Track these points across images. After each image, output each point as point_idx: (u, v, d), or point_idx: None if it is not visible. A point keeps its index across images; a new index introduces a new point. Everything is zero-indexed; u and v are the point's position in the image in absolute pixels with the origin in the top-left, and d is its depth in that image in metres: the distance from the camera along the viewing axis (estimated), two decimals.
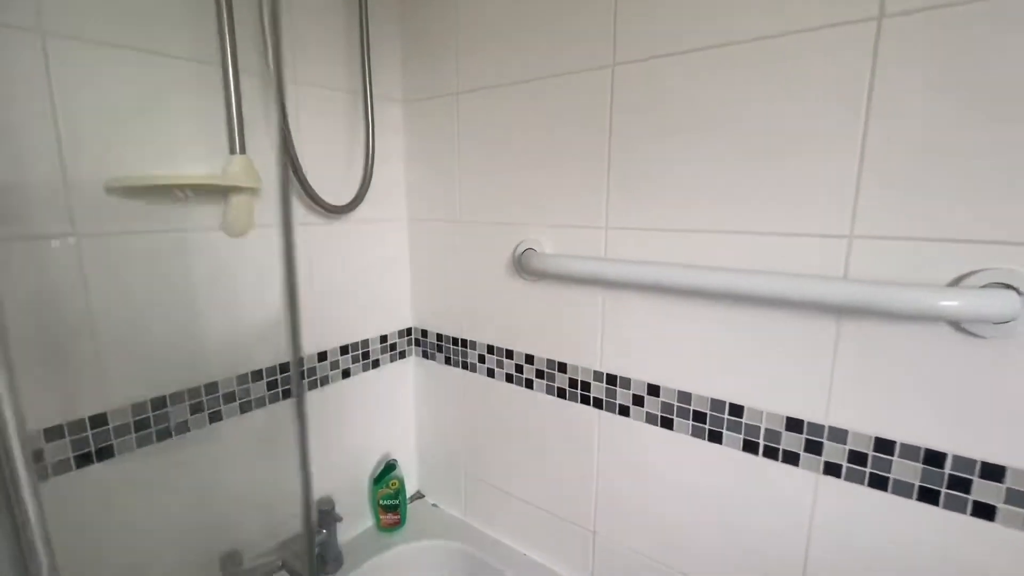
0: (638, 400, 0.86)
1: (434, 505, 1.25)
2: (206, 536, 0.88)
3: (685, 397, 0.81)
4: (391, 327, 1.17)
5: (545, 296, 0.95)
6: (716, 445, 0.79)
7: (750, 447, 0.75)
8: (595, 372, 0.91)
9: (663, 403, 0.83)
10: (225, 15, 0.76)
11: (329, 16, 0.96)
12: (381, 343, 1.15)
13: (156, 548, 0.81)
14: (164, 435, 0.81)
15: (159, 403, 0.80)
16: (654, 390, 0.84)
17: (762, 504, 0.76)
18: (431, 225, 1.12)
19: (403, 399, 1.22)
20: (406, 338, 1.20)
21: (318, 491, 1.06)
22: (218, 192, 0.82)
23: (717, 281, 0.69)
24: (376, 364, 1.14)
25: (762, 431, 0.74)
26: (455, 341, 1.12)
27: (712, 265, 0.73)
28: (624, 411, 0.88)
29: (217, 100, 0.80)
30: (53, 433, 0.69)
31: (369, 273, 1.10)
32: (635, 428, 0.87)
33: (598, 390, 0.91)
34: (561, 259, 0.87)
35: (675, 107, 0.75)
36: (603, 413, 0.91)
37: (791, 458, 0.72)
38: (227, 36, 0.77)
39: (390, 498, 1.12)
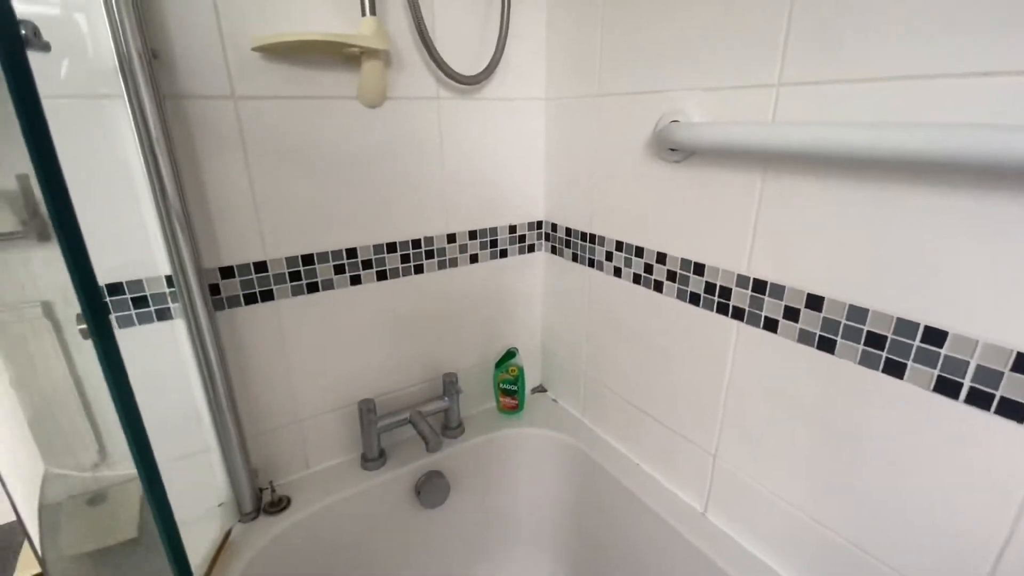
0: (791, 314, 0.69)
1: (554, 400, 1.25)
2: (347, 381, 1.01)
3: (859, 314, 0.61)
4: (521, 218, 1.13)
5: (687, 181, 0.79)
6: (895, 379, 0.59)
7: (949, 388, 0.55)
8: (739, 276, 0.75)
9: (825, 319, 0.65)
10: None
11: None
12: (510, 233, 1.12)
13: (306, 382, 0.96)
14: (313, 288, 0.92)
15: (308, 260, 0.90)
16: (815, 303, 0.66)
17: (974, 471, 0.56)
18: (567, 104, 1.01)
19: (530, 292, 1.20)
20: (536, 231, 1.16)
21: (446, 366, 1.13)
22: (353, 60, 0.84)
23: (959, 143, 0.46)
24: (504, 254, 1.13)
25: (972, 369, 0.53)
26: (583, 236, 1.04)
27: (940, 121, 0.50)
28: (771, 325, 0.72)
29: None
30: (226, 272, 0.83)
31: (502, 158, 1.05)
32: (784, 347, 0.71)
33: (740, 298, 0.75)
34: (709, 127, 0.70)
35: None
36: (743, 326, 0.76)
37: None
38: None
39: (509, 383, 1.15)
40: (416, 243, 1.00)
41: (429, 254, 1.03)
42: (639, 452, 1.02)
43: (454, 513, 1.10)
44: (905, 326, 0.57)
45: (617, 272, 0.97)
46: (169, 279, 0.79)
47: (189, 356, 0.83)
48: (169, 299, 0.80)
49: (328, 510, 0.95)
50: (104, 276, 0.75)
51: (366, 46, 0.79)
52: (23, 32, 0.60)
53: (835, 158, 0.57)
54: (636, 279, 0.93)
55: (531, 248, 1.16)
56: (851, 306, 0.62)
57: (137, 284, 0.77)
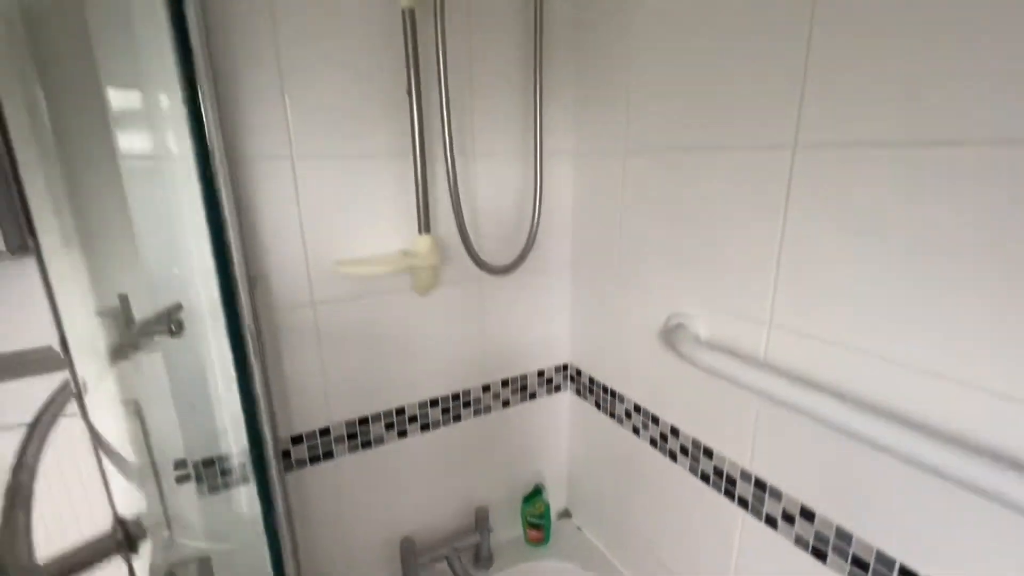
0: (788, 517, 0.78)
1: (578, 528, 1.34)
2: (391, 520, 1.13)
3: (845, 536, 0.70)
4: (549, 363, 1.25)
5: (695, 375, 0.90)
6: None
7: None
8: (743, 471, 0.84)
9: (817, 531, 0.74)
10: (416, 120, 0.89)
11: (505, 103, 1.03)
12: (539, 377, 1.24)
13: (358, 526, 1.09)
14: (367, 445, 1.05)
15: (364, 421, 1.04)
16: (808, 514, 0.75)
17: None
18: (591, 278, 1.14)
19: (556, 428, 1.31)
20: (562, 373, 1.28)
21: (479, 500, 1.24)
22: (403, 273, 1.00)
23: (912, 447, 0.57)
24: (533, 396, 1.25)
25: None
26: (605, 389, 1.15)
27: (900, 411, 0.60)
28: (771, 522, 0.81)
29: (408, 187, 0.96)
30: (296, 439, 0.97)
31: (533, 316, 1.19)
32: (782, 546, 0.79)
33: (744, 489, 0.84)
34: (706, 353, 0.81)
35: (863, 208, 0.61)
36: (748, 517, 0.85)
37: None
38: (416, 140, 0.90)
39: (536, 517, 1.25)
40: (455, 396, 1.14)
41: (466, 404, 1.15)
42: None
43: None
44: (884, 560, 0.66)
45: (636, 431, 1.07)
46: (253, 442, 0.93)
47: (258, 514, 0.97)
48: (249, 467, 0.94)
49: None
50: (201, 451, 0.90)
51: (422, 265, 0.95)
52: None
53: (816, 419, 0.68)
54: (653, 443, 1.03)
55: (557, 388, 1.28)
56: (838, 527, 0.71)
57: (224, 458, 0.92)
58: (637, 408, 1.06)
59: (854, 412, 0.62)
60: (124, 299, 0.92)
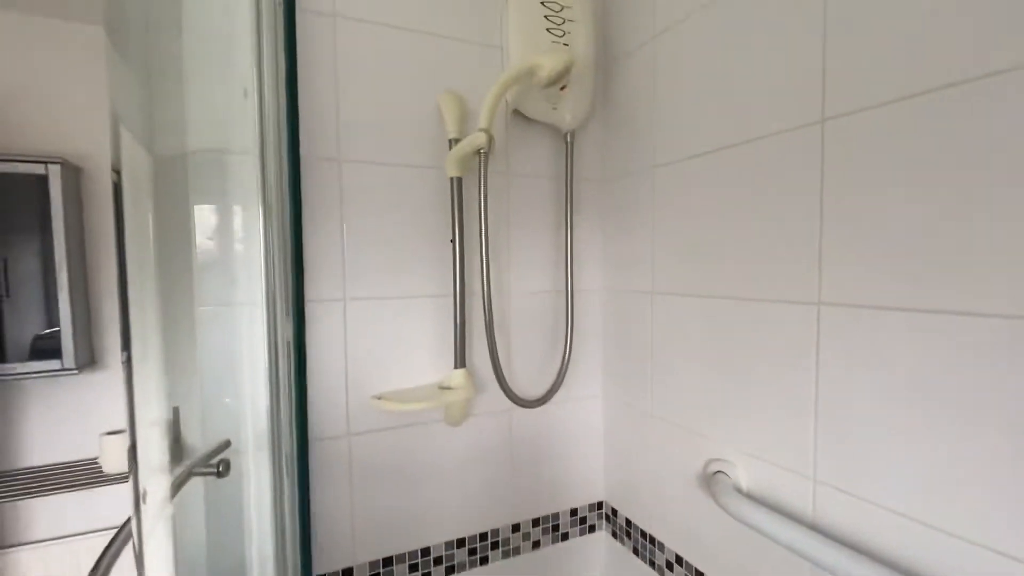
0: None
1: None
2: None
3: None
4: (582, 500, 1.20)
5: (739, 528, 0.85)
6: None
7: None
8: None
9: None
10: (458, 266, 0.98)
11: (539, 247, 1.13)
12: (571, 516, 1.18)
13: None
14: None
15: (388, 562, 1.00)
16: None
17: None
18: (625, 412, 1.13)
19: (590, 574, 1.21)
20: (596, 512, 1.21)
21: None
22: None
23: None
24: (565, 537, 1.18)
25: None
26: (643, 534, 1.08)
27: None
28: None
29: (447, 325, 1.02)
30: None
31: (565, 448, 1.17)
32: None
33: None
34: (751, 508, 0.77)
35: (899, 365, 0.62)
36: None
37: None
38: (457, 282, 0.98)
39: None
40: (483, 536, 1.09)
41: (495, 545, 1.10)
42: None
43: None
44: None
45: None
46: None
47: None
48: None
49: None
50: None
51: (456, 399, 0.98)
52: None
53: None
54: None
55: (592, 528, 1.21)
56: None
57: None
58: (679, 560, 0.98)
59: None
60: (176, 411, 0.97)
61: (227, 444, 0.82)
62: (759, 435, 0.81)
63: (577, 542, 1.19)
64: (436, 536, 1.05)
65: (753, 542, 0.82)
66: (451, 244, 0.99)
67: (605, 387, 1.20)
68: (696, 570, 0.94)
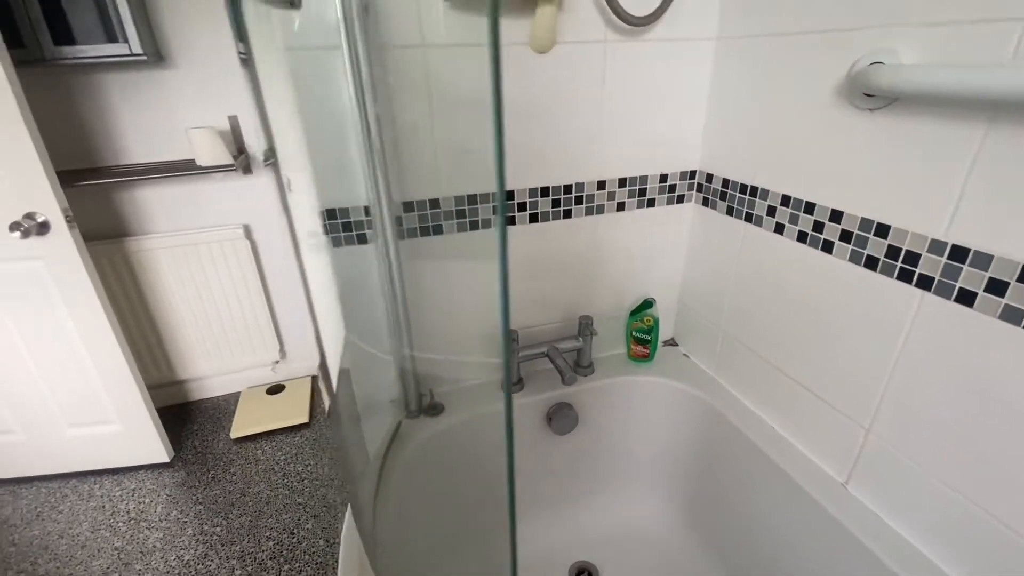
0: (996, 287, 0.62)
1: (685, 355, 1.26)
2: (495, 312, 1.11)
3: None
4: (673, 168, 1.10)
5: (881, 132, 0.72)
6: None
7: None
8: (933, 241, 0.68)
9: None
10: None
11: None
12: (660, 182, 1.11)
13: (463, 309, 1.08)
14: (474, 226, 1.01)
15: (472, 200, 0.99)
16: None
17: None
18: (743, 44, 0.94)
19: (673, 244, 1.19)
20: (687, 181, 1.13)
21: (582, 309, 1.19)
22: (528, 4, 0.86)
23: None
24: (651, 203, 1.12)
25: None
26: (743, 188, 0.99)
27: None
28: (966, 298, 0.65)
29: None
30: (407, 207, 0.95)
31: (662, 104, 1.03)
32: (979, 323, 0.64)
33: (931, 265, 0.68)
34: (925, 70, 0.62)
35: None
36: (929, 295, 0.69)
37: None
38: None
39: (643, 332, 1.18)
40: (567, 188, 1.04)
41: (579, 200, 1.06)
42: (776, 416, 1.01)
43: (579, 443, 1.19)
44: None
45: (779, 229, 0.92)
46: (366, 209, 0.92)
47: (377, 275, 0.98)
48: (366, 227, 0.94)
49: (473, 420, 1.09)
50: (324, 203, 0.90)
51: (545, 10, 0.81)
52: None
53: None
54: (801, 237, 0.88)
55: (680, 199, 1.14)
56: None
57: (345, 211, 0.92)
58: (786, 200, 0.90)
59: None
60: None
61: None
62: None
63: (663, 210, 1.14)
64: (520, 182, 1.01)
65: (893, 150, 0.70)
66: None
67: (723, 19, 0.98)
68: (805, 203, 0.86)
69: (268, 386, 2.05)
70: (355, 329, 1.00)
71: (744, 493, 1.02)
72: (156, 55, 1.52)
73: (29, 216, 1.31)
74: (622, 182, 1.08)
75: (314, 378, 2.11)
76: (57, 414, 1.57)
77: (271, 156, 0.76)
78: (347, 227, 0.93)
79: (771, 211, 0.93)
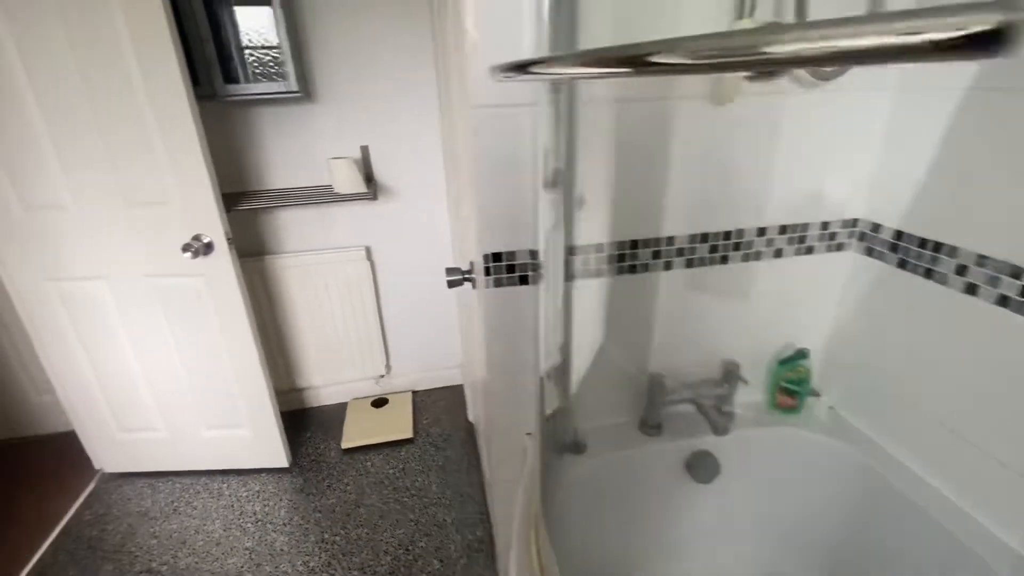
0: None
1: (831, 408, 1.20)
2: (641, 351, 1.11)
3: None
4: (835, 215, 1.07)
5: None
6: None
7: None
8: None
9: None
10: None
11: None
12: (821, 230, 1.07)
13: (614, 347, 1.09)
14: (632, 270, 1.02)
15: (634, 244, 1.00)
16: None
17: None
18: (934, 93, 0.90)
19: (827, 293, 1.15)
20: (849, 230, 1.09)
21: (726, 352, 1.16)
22: None
23: None
24: (810, 251, 1.09)
25: None
26: (923, 243, 0.95)
27: None
28: None
29: None
30: (570, 249, 0.97)
31: (831, 151, 1.00)
32: None
33: None
34: None
35: None
36: None
37: None
38: None
39: (793, 383, 1.14)
40: (727, 234, 1.03)
41: (736, 246, 1.05)
42: (953, 485, 0.94)
43: (719, 493, 1.16)
44: None
45: (970, 289, 0.87)
46: (534, 252, 0.95)
47: (539, 314, 1.00)
48: (531, 268, 0.97)
49: (615, 461, 1.08)
50: (495, 247, 0.94)
51: None
52: None
53: None
54: (1002, 301, 0.83)
55: (839, 247, 1.10)
56: None
57: (512, 255, 0.95)
58: (981, 261, 0.85)
59: None
60: None
61: None
62: None
63: (820, 258, 1.10)
64: (680, 228, 1.01)
65: None
66: None
67: (906, 77, 0.95)
68: (1011, 266, 0.81)
69: (373, 399, 2.13)
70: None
71: (905, 566, 0.96)
72: (306, 91, 1.64)
73: (196, 237, 1.44)
74: (782, 229, 1.05)
75: (415, 393, 2.18)
76: (197, 416, 1.71)
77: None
78: (516, 268, 0.96)
79: (961, 270, 0.88)
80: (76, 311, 1.52)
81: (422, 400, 2.17)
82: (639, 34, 0.81)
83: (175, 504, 1.69)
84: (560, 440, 1.08)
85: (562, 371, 1.02)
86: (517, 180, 0.90)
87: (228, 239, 1.45)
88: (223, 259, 1.46)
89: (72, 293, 1.50)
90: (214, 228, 1.43)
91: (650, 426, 1.13)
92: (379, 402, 2.11)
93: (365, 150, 1.78)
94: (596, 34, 0.81)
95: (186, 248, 1.39)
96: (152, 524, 1.62)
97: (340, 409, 2.11)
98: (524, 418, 1.11)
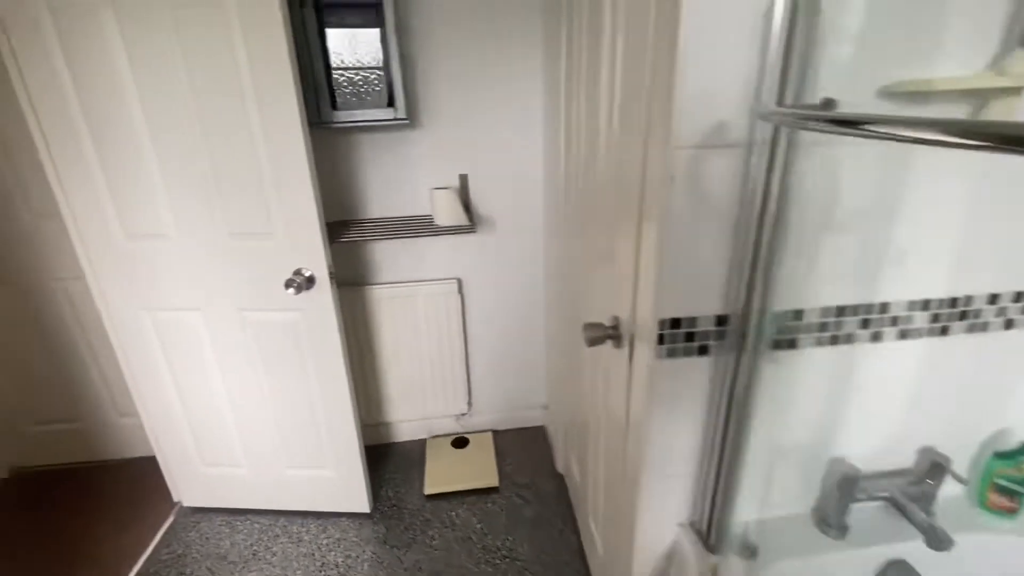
0: None
1: None
2: (826, 434, 0.93)
3: None
4: None
5: None
6: None
7: None
8: None
9: None
10: None
11: None
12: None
13: (804, 428, 0.91)
14: (834, 340, 0.84)
15: (841, 311, 0.82)
16: None
17: None
18: None
19: None
20: None
21: (917, 436, 0.96)
22: (973, 95, 0.70)
23: None
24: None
25: None
26: None
27: None
28: None
29: None
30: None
31: None
32: None
33: None
34: None
35: None
36: None
37: None
38: None
39: (1013, 480, 0.93)
40: (952, 301, 0.84)
41: (962, 315, 0.85)
42: None
43: None
44: None
45: None
46: (721, 318, 0.79)
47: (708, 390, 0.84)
48: (712, 337, 0.81)
49: (793, 569, 0.90)
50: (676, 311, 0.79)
51: (1012, 86, 0.64)
52: None
53: None
54: None
55: None
56: None
57: (693, 320, 0.79)
58: None
59: None
60: None
61: None
62: None
63: None
64: (898, 293, 0.83)
65: None
66: None
67: None
68: None
69: (452, 437, 2.00)
70: None
71: None
72: (412, 117, 1.55)
73: (298, 272, 1.35)
74: (1018, 296, 0.85)
75: (495, 433, 2.04)
76: (281, 454, 1.61)
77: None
78: (692, 337, 0.80)
79: None
80: (168, 340, 1.46)
81: (502, 441, 2.02)
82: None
83: (254, 548, 1.60)
84: (723, 537, 0.90)
85: (734, 452, 0.85)
86: (715, 233, 0.74)
87: (331, 273, 1.35)
88: (324, 295, 1.37)
89: (166, 322, 1.44)
90: (317, 262, 1.34)
91: (830, 525, 0.94)
92: (459, 442, 1.98)
93: (464, 179, 1.66)
94: (835, 61, 0.66)
95: (288, 284, 1.31)
96: (232, 570, 1.53)
97: (418, 446, 1.99)
98: (672, 503, 0.94)
